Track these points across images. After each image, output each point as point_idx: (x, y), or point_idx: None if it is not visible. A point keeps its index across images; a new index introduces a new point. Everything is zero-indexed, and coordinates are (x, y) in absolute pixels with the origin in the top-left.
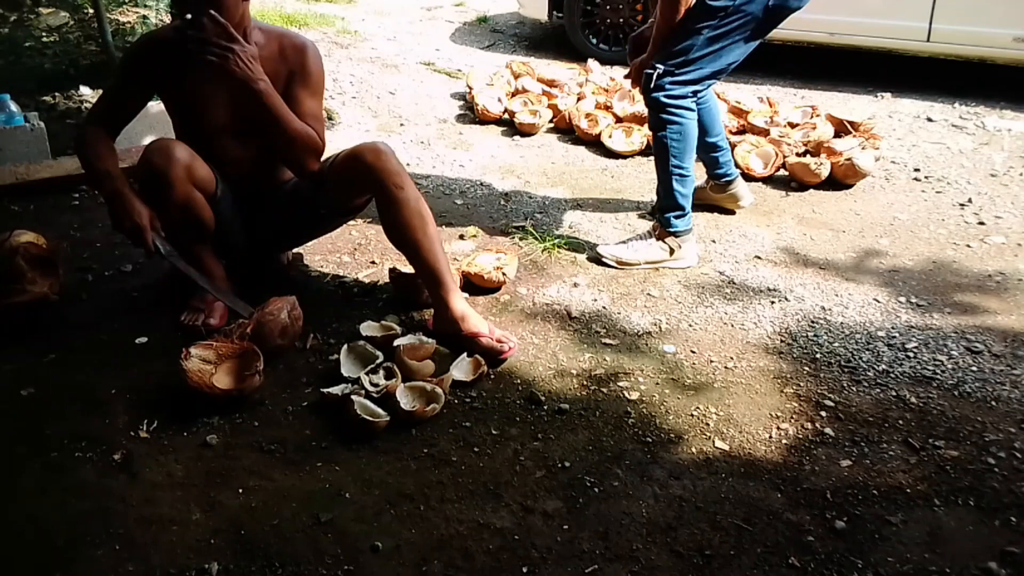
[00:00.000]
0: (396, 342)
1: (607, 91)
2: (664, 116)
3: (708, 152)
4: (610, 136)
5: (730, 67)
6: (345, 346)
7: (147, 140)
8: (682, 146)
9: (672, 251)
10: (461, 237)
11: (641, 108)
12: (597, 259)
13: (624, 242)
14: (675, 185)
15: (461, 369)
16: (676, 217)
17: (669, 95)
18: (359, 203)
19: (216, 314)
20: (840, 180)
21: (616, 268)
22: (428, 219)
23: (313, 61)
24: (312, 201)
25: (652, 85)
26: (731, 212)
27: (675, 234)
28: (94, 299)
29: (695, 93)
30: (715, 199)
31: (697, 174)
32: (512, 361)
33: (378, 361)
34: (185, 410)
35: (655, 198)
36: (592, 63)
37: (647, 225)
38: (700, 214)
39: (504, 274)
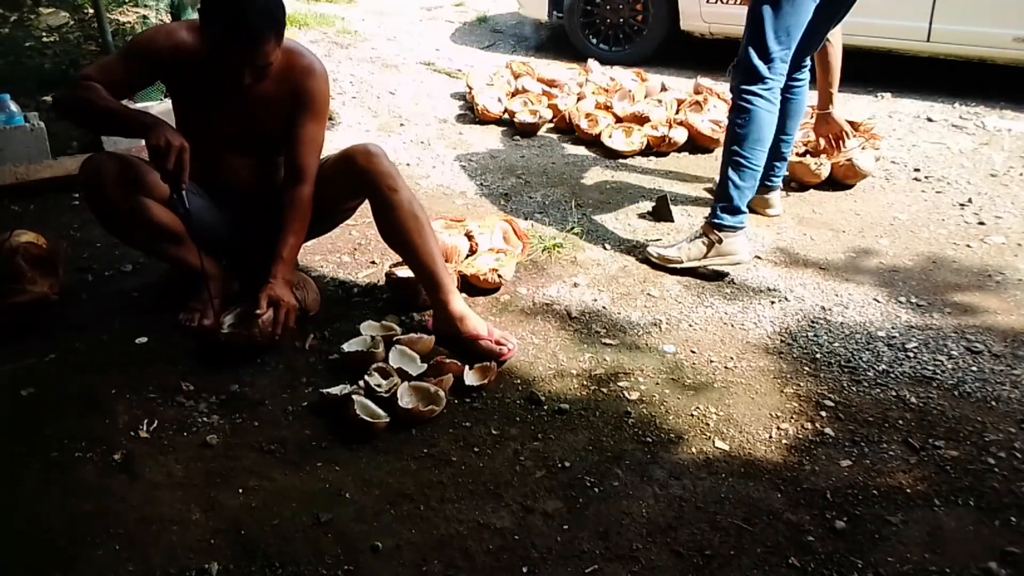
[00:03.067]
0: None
1: (607, 91)
2: (737, 102)
3: (771, 151)
4: (610, 136)
5: (797, 30)
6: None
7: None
8: (746, 133)
9: (711, 246)
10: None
11: (641, 108)
12: (646, 259)
13: (670, 243)
14: (730, 174)
15: (470, 378)
16: (723, 209)
17: (741, 83)
18: (353, 205)
19: (212, 314)
20: (840, 180)
21: (661, 265)
22: (423, 220)
23: (319, 86)
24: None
25: (729, 75)
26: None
27: (718, 227)
28: (94, 299)
29: (770, 73)
30: None
31: (706, 165)
32: (512, 361)
33: (378, 352)
34: (185, 410)
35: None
36: (592, 63)
37: (646, 225)
38: (702, 213)
39: (500, 276)
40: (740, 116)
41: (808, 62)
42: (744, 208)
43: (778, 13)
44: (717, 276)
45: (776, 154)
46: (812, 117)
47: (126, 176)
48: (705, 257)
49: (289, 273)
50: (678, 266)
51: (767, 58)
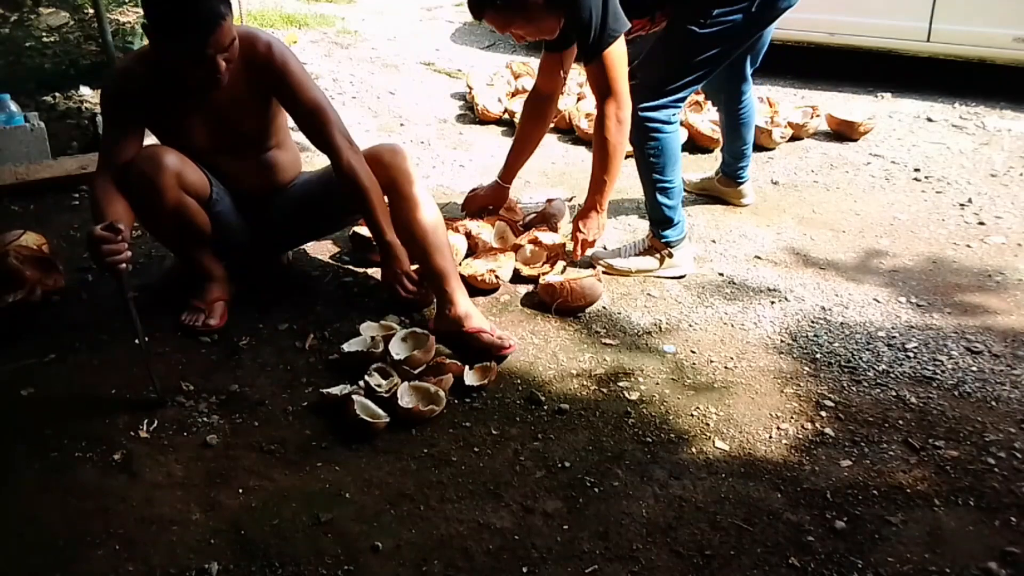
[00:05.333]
0: (394, 339)
1: None
2: (644, 130)
3: (734, 153)
4: None
5: (714, 72)
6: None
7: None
8: (663, 160)
9: (663, 260)
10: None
11: None
12: (589, 264)
13: (618, 249)
14: (659, 198)
15: (470, 378)
16: (664, 229)
17: (647, 108)
18: None
19: (216, 314)
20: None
21: (604, 272)
22: (438, 220)
23: (284, 59)
24: (322, 201)
25: (633, 99)
26: (733, 207)
27: (667, 244)
28: (94, 299)
29: (678, 102)
30: (721, 191)
31: (706, 166)
32: (512, 361)
33: (378, 352)
34: (185, 410)
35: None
36: None
37: (646, 225)
38: (701, 213)
39: (497, 277)
40: (652, 146)
41: (750, 70)
42: (681, 217)
43: (704, 64)
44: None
45: (740, 157)
46: (813, 117)
47: (180, 170)
48: (655, 270)
49: (402, 251)
50: (623, 276)
51: (679, 91)
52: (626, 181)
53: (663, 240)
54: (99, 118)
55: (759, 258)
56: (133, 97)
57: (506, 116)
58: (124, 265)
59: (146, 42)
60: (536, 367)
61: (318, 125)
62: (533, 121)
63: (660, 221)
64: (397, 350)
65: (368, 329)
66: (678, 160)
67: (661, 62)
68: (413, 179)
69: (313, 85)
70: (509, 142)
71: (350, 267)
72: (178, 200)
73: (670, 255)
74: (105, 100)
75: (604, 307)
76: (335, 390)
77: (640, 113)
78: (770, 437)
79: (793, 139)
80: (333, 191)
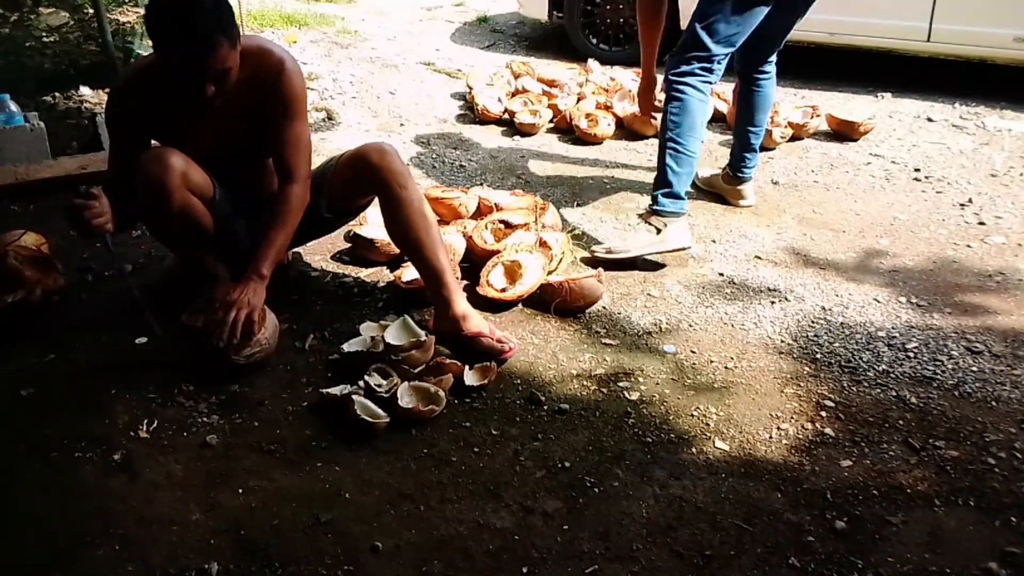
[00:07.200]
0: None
1: (607, 91)
2: (669, 92)
3: (740, 141)
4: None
5: (740, 36)
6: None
7: None
8: (680, 121)
9: (658, 231)
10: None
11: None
12: (590, 259)
13: (617, 237)
14: (667, 160)
15: (470, 378)
16: (664, 195)
17: (674, 72)
18: (361, 203)
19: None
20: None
21: (609, 259)
22: (431, 220)
23: (290, 84)
24: (314, 203)
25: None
26: (733, 207)
27: (659, 213)
28: (94, 299)
29: (705, 68)
30: (721, 188)
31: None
32: (512, 361)
33: (378, 352)
34: (185, 410)
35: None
36: (592, 63)
37: (646, 224)
38: (702, 213)
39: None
40: (674, 106)
41: (774, 57)
42: (683, 194)
43: (721, 21)
44: (655, 266)
45: (746, 145)
46: (813, 117)
47: (186, 170)
48: (652, 244)
49: (268, 269)
50: (624, 256)
51: (703, 52)
52: (625, 181)
53: (656, 208)
54: (99, 118)
55: (759, 258)
56: (135, 111)
57: (506, 116)
58: (108, 226)
59: (147, 41)
60: (536, 367)
61: (290, 153)
62: (651, 23)
63: (660, 184)
64: (392, 338)
65: (368, 329)
66: (698, 129)
67: (689, 27)
68: (404, 178)
69: (304, 120)
70: (509, 142)
71: (350, 267)
72: (185, 200)
73: (664, 226)
74: (108, 115)
75: (604, 307)
76: (335, 390)
77: (668, 75)
78: (770, 437)
79: (793, 139)
80: (332, 189)
